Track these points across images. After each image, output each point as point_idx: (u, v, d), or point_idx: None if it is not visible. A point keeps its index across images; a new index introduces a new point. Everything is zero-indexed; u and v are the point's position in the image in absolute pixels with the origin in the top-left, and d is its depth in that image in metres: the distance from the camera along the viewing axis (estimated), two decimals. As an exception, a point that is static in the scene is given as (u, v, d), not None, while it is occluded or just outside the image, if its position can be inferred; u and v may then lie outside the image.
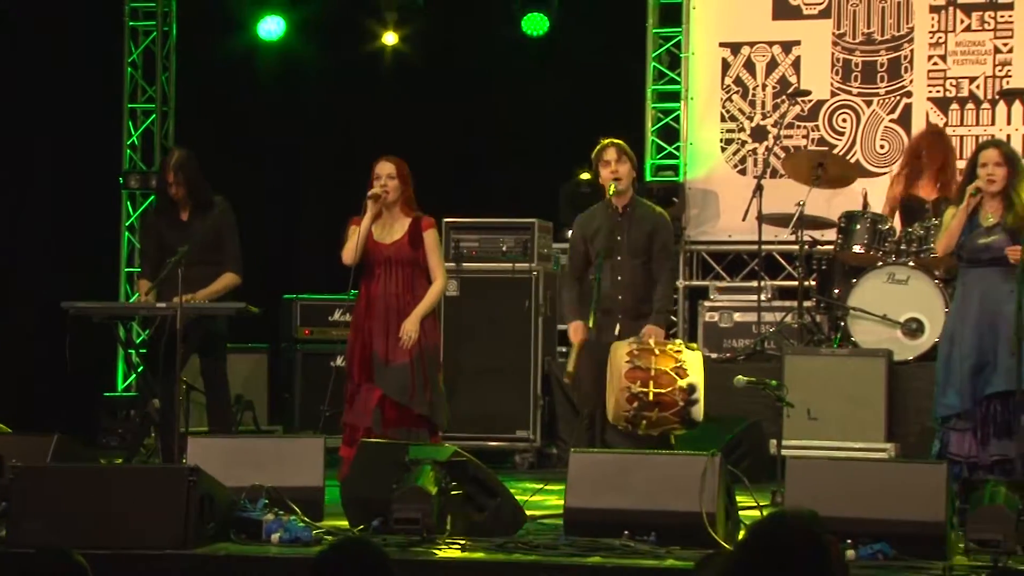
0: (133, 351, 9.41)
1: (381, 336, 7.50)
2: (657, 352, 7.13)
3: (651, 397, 7.05)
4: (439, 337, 7.77)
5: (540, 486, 7.31)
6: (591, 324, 7.33)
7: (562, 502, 6.38)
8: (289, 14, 11.29)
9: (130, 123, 11.48)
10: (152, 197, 11.21)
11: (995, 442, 6.85)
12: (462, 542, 6.08)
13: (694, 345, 7.52)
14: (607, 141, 7.64)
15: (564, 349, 9.86)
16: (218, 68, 11.22)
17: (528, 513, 6.67)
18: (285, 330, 10.29)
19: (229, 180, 8.63)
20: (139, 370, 9.57)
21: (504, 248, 9.54)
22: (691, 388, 7.10)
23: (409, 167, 7.71)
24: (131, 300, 10.66)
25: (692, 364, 7.15)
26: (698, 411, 7.14)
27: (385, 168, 7.61)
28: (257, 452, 6.80)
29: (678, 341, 7.46)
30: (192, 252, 7.91)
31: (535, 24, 11.09)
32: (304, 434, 9.15)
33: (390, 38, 11.26)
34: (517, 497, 6.68)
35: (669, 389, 7.08)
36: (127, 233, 11.42)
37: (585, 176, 10.74)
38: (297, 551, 6.01)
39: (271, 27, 11.27)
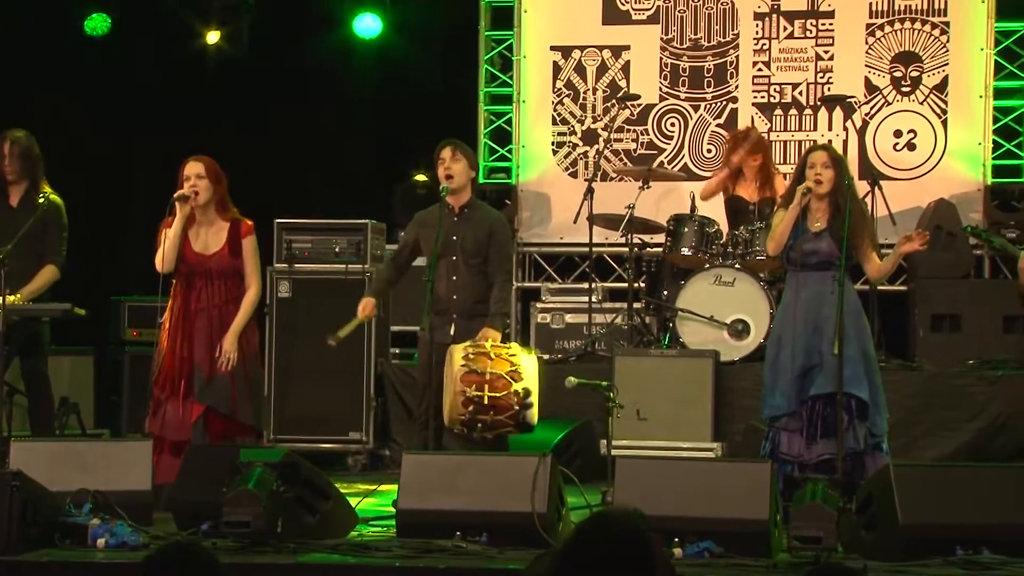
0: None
1: (204, 350, 7.32)
2: (493, 356, 7.15)
3: (486, 401, 7.07)
4: (258, 341, 7.63)
5: (373, 488, 7.29)
6: (424, 324, 7.33)
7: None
8: (115, 9, 11.07)
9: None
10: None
11: (822, 442, 7.00)
12: (293, 545, 6.04)
13: (530, 348, 7.55)
14: (446, 140, 7.63)
15: (398, 351, 9.87)
16: (40, 64, 10.97)
17: (360, 515, 6.65)
18: (112, 332, 10.11)
19: (54, 180, 8.44)
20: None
21: (337, 249, 9.49)
22: (526, 392, 7.14)
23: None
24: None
25: (527, 368, 7.19)
26: (533, 415, 7.18)
27: (193, 168, 7.37)
28: (83, 456, 6.67)
29: (514, 344, 7.48)
30: (15, 243, 7.73)
31: (367, 26, 11.04)
32: (131, 437, 8.98)
33: (212, 37, 11.10)
34: (349, 499, 6.66)
35: (504, 393, 7.10)
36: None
37: (420, 177, 10.74)
38: (124, 556, 5.91)
39: (97, 24, 11.04)
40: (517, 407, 7.12)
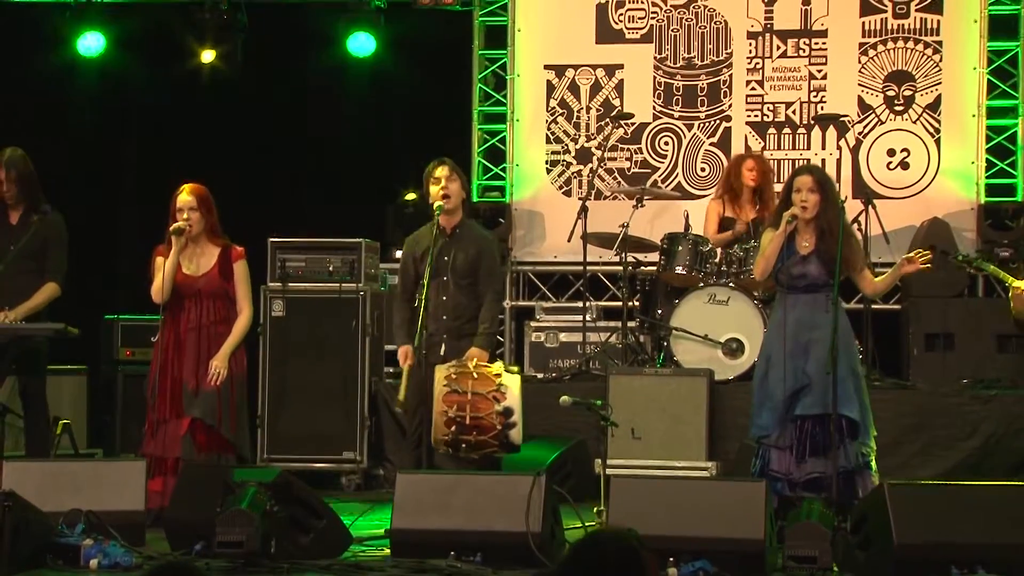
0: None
1: (192, 370, 7.44)
2: (475, 375, 7.13)
3: (468, 421, 7.05)
4: (246, 365, 7.68)
5: (367, 507, 7.27)
6: (417, 343, 7.31)
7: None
8: (109, 30, 11.07)
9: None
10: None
11: (811, 460, 7.03)
12: (287, 565, 6.02)
13: (514, 368, 7.53)
14: (439, 159, 7.62)
15: (392, 369, 9.85)
16: (34, 83, 10.97)
17: (354, 535, 6.63)
18: (106, 351, 10.08)
19: (47, 197, 8.43)
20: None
21: (331, 268, 9.47)
22: (508, 411, 7.11)
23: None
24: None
25: (510, 387, 7.16)
26: (517, 434, 7.16)
27: (185, 201, 7.53)
28: (76, 476, 6.66)
29: (498, 364, 7.46)
30: (14, 259, 7.74)
31: (361, 45, 11.04)
32: (124, 457, 8.97)
33: (207, 56, 11.10)
34: (343, 519, 6.64)
35: (486, 413, 7.08)
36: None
37: (411, 196, 10.73)
38: (117, 577, 5.90)
39: (91, 43, 11.04)
40: (500, 427, 7.10)
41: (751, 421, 7.29)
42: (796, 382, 7.06)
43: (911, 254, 7.31)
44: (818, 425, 7.02)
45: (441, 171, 7.53)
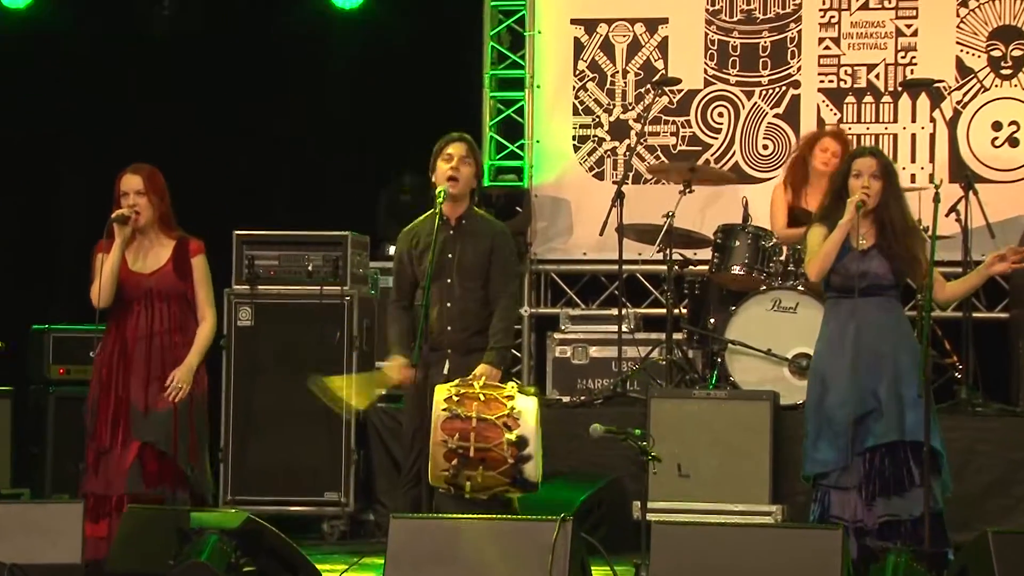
0: None
1: (140, 386, 7.44)
2: (482, 398, 7.10)
3: (472, 453, 7.02)
4: (207, 385, 7.68)
5: (354, 560, 7.28)
6: (415, 360, 7.30)
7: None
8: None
9: None
10: None
11: (882, 501, 7.01)
12: (255, 630, 6.04)
13: (531, 389, 7.49)
14: (459, 134, 7.59)
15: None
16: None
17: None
18: (34, 368, 10.11)
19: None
20: None
21: (310, 267, 9.50)
22: (522, 441, 7.07)
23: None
24: None
25: (525, 412, 7.13)
26: (533, 470, 7.11)
27: (131, 183, 7.52)
28: (-2, 521, 6.68)
29: (511, 384, 7.43)
30: None
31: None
32: (57, 499, 8.98)
33: (162, 9, 11.10)
34: (324, 574, 6.65)
35: (495, 443, 7.05)
36: None
37: (408, 179, 10.73)
38: (47, 644, 5.92)
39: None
40: (512, 460, 7.07)
41: (805, 455, 7.29)
42: (860, 406, 7.05)
43: (1003, 250, 7.29)
44: (887, 457, 7.01)
45: (456, 148, 7.51)
